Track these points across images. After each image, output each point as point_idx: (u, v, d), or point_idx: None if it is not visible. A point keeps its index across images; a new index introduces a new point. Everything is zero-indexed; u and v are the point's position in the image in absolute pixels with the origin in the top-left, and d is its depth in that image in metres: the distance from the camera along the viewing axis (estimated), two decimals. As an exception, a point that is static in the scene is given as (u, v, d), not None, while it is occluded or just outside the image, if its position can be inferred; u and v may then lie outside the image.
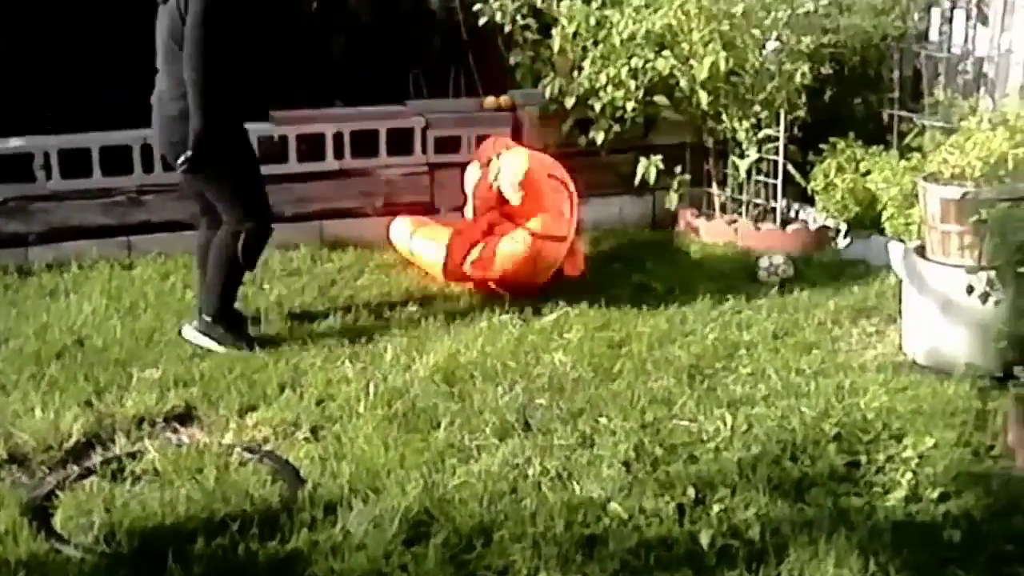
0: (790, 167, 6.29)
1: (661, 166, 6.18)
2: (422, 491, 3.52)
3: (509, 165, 5.50)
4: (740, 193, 6.48)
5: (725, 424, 4.00)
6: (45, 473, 3.72)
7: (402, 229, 5.84)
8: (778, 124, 6.19)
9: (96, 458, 3.82)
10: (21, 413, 4.06)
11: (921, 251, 4.75)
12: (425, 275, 5.66)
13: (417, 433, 3.95)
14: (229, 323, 4.77)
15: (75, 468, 3.73)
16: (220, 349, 4.67)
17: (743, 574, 3.14)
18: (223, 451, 3.80)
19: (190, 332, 4.77)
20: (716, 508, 3.46)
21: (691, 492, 3.55)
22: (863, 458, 3.79)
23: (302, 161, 6.18)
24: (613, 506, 3.44)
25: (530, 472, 3.66)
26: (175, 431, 4.07)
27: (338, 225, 6.15)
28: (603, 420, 4.04)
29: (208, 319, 4.76)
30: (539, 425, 4.02)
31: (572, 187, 5.69)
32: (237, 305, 4.91)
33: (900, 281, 5.61)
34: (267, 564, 3.18)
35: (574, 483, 3.61)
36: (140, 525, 3.35)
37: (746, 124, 6.23)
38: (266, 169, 6.00)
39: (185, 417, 4.15)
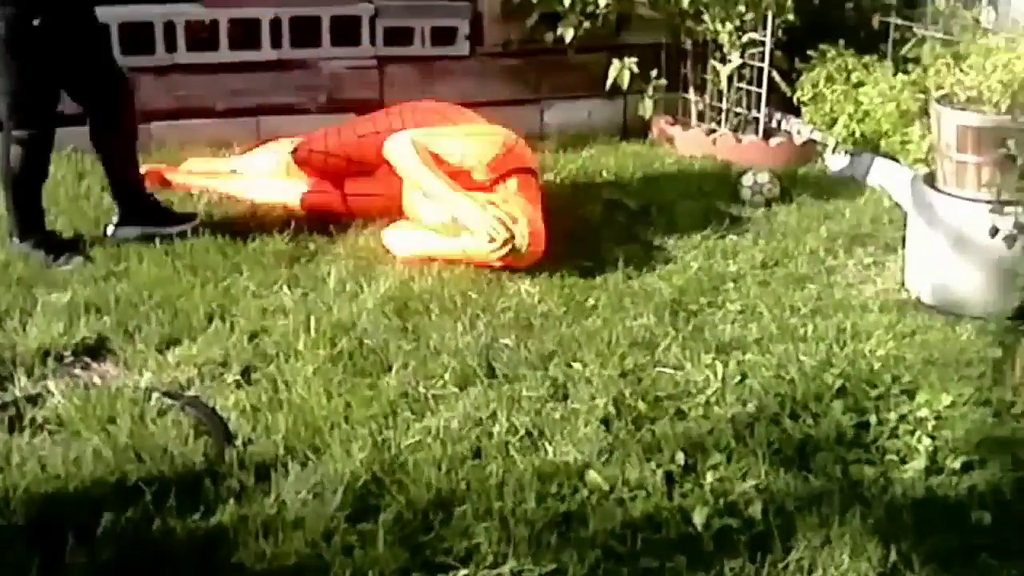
0: (775, 75, 5.76)
1: (636, 69, 5.62)
2: (370, 452, 3.01)
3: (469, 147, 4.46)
4: (719, 100, 5.95)
5: (715, 374, 3.52)
6: (-74, 420, 3.17)
7: (413, 237, 4.42)
8: (764, 27, 5.63)
9: (-10, 401, 3.27)
10: (-99, 343, 3.49)
11: (930, 180, 4.27)
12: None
13: (365, 378, 3.43)
14: (37, 241, 4.23)
15: (-37, 415, 3.18)
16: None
17: (745, 564, 2.69)
18: (139, 396, 3.25)
19: (14, 245, 4.26)
20: (710, 478, 3.00)
21: (680, 457, 3.08)
22: (872, 417, 3.33)
23: (235, 49, 5.51)
24: (592, 475, 2.96)
25: (495, 429, 3.17)
26: (85, 367, 3.52)
27: (276, 122, 5.51)
28: (577, 366, 3.55)
29: (16, 238, 4.25)
30: (505, 371, 3.51)
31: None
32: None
33: (896, 204, 5.19)
34: (186, 543, 2.66)
35: (546, 444, 3.12)
36: (39, 490, 2.81)
37: (729, 26, 5.66)
38: (195, 57, 5.46)
39: (97, 351, 3.59)
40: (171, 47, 5.41)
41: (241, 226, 4.55)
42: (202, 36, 5.47)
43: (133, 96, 4.43)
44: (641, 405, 3.33)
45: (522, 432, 3.16)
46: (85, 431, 3.09)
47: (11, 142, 4.13)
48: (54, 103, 4.18)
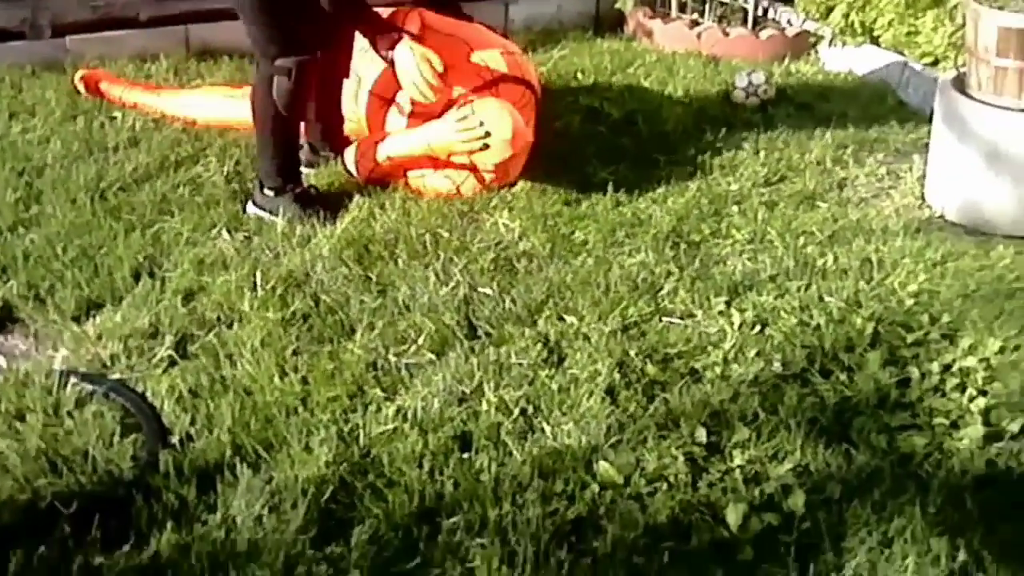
0: (766, -42, 5.19)
1: (613, -43, 5.01)
2: (336, 447, 2.51)
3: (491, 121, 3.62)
4: (702, -11, 5.37)
5: (730, 323, 3.05)
6: None
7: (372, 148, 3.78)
8: (754, -98, 5.04)
9: None
10: None
11: (960, 86, 3.75)
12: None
13: (324, 345, 2.92)
14: (295, 193, 3.60)
15: None
16: (281, 223, 3.51)
17: (792, 576, 2.26)
18: (53, 382, 2.72)
19: (251, 209, 3.61)
20: (738, 459, 2.55)
21: (701, 434, 2.62)
22: (913, 371, 2.89)
23: (160, -53, 4.85)
24: (603, 466, 2.49)
25: (483, 408, 2.68)
26: (-11, 344, 2.98)
27: (208, 30, 4.86)
28: (571, 319, 3.05)
29: (269, 192, 3.59)
30: (488, 328, 3.01)
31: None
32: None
33: (901, 103, 4.71)
34: (114, 586, 2.18)
35: (544, 424, 2.64)
36: (-74, 518, 2.31)
37: (716, -98, 5.06)
38: (113, -41, 4.80)
39: (2, 322, 3.04)
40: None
41: (172, 153, 3.96)
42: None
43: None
44: (650, 368, 2.85)
45: (515, 410, 2.67)
46: (-11, 432, 2.57)
47: (274, 74, 3.47)
48: (315, 18, 3.48)
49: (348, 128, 4.00)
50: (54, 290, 3.12)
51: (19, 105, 4.33)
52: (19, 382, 2.72)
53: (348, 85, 3.92)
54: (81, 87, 4.38)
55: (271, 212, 3.55)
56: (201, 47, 4.90)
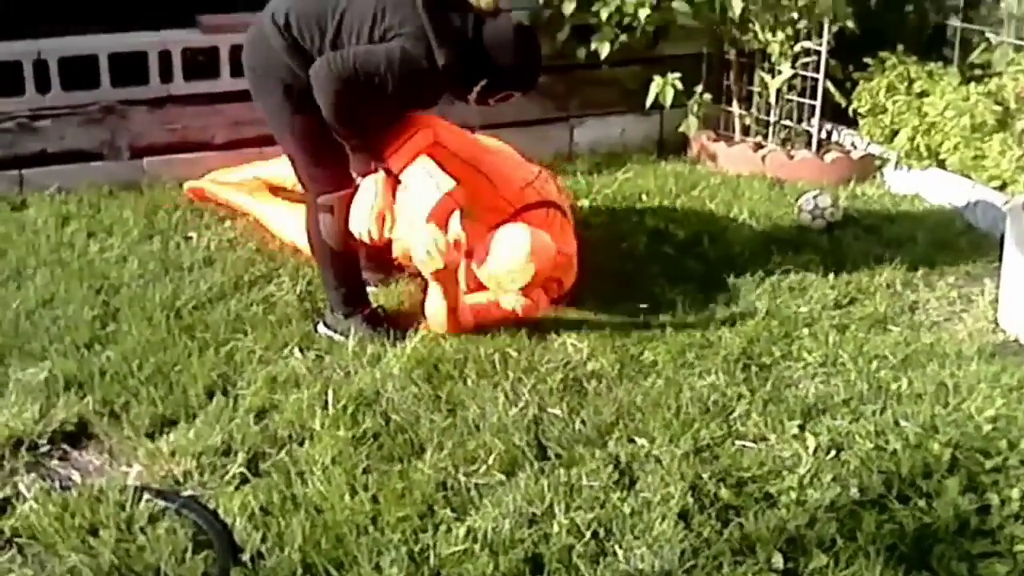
0: (830, 85, 5.23)
1: (680, 85, 5.08)
2: (406, 568, 2.49)
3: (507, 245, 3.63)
4: (766, 113, 5.43)
5: (805, 447, 3.00)
6: None
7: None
8: (819, 35, 5.11)
9: (-50, 508, 2.76)
10: None
11: (1031, 206, 3.76)
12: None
13: (394, 464, 2.91)
14: (365, 316, 3.65)
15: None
16: (352, 343, 3.54)
17: None
18: (126, 498, 2.73)
19: (322, 329, 3.66)
20: (817, 588, 2.49)
21: (778, 560, 2.57)
22: (993, 497, 2.82)
23: (236, 76, 5.00)
24: (678, 592, 2.45)
25: (554, 530, 2.65)
26: (63, 457, 3.00)
27: (281, 153, 4.99)
28: (642, 441, 3.02)
29: (339, 315, 3.65)
30: (557, 450, 2.99)
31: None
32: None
33: (967, 224, 4.70)
34: None
35: (616, 547, 2.60)
36: (-1, 633, 2.32)
37: (780, 35, 5.13)
38: (194, 87, 4.97)
39: (77, 437, 3.07)
40: (166, 77, 4.90)
41: (246, 272, 4.03)
42: (201, 64, 4.95)
43: None
44: (724, 492, 2.80)
45: (587, 533, 2.64)
46: (63, 545, 2.58)
47: (319, 211, 3.55)
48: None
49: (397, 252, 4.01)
50: (129, 407, 3.16)
51: (97, 225, 4.45)
52: (93, 497, 2.74)
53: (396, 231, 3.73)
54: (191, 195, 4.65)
55: (341, 333, 3.58)
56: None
